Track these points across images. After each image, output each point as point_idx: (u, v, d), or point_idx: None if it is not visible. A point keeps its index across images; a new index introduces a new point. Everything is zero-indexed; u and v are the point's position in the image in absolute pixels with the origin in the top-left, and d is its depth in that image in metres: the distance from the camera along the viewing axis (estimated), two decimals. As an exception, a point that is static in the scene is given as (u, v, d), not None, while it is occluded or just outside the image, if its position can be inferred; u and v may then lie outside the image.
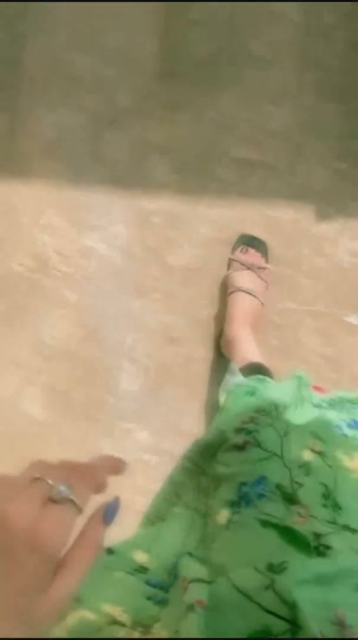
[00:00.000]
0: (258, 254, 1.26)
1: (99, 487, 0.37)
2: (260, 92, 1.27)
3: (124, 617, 0.44)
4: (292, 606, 0.41)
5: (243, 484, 0.55)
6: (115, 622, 0.44)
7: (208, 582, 0.46)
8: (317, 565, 0.46)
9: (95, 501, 0.37)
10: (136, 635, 0.44)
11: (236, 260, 1.25)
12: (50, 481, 0.34)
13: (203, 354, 1.28)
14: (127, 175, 1.31)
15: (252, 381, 0.84)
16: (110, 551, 0.60)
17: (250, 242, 1.26)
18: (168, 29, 1.28)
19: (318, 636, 0.38)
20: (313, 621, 0.39)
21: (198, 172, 1.29)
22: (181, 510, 0.63)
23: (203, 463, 0.65)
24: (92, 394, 1.28)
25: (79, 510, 0.34)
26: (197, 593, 0.44)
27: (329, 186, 1.26)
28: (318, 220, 1.27)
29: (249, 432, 0.60)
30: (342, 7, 1.26)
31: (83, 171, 1.31)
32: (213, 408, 1.26)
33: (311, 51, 1.27)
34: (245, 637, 0.41)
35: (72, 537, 0.34)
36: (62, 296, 1.31)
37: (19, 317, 1.31)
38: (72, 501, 0.34)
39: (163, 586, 0.51)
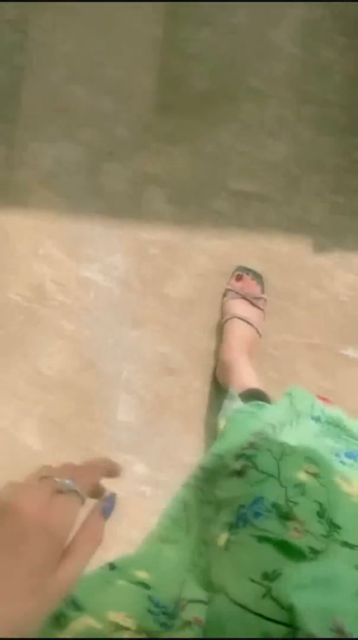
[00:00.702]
0: (254, 282, 1.26)
1: (97, 487, 0.42)
2: (257, 126, 1.28)
3: (128, 622, 0.46)
4: (290, 609, 0.42)
5: (241, 506, 0.56)
6: (119, 627, 0.45)
7: (207, 603, 0.47)
8: (312, 569, 0.47)
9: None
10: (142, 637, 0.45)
11: (231, 290, 1.26)
12: (56, 478, 0.39)
13: (201, 385, 1.28)
14: (125, 207, 1.31)
15: (252, 407, 0.85)
16: (112, 566, 0.62)
17: (246, 272, 1.26)
18: (166, 63, 1.29)
19: (318, 636, 0.39)
20: (312, 624, 0.40)
21: (196, 204, 1.30)
22: (186, 539, 0.63)
23: (206, 489, 0.65)
24: (88, 425, 1.27)
25: (82, 500, 0.39)
26: (195, 611, 0.45)
27: (326, 219, 1.27)
28: (315, 252, 1.27)
29: (248, 457, 0.61)
30: (340, 41, 1.27)
31: (81, 202, 1.31)
32: (210, 439, 1.26)
33: (309, 85, 1.27)
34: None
35: (76, 525, 0.38)
36: (60, 326, 1.31)
37: (16, 347, 1.31)
38: (76, 492, 0.38)
39: (166, 611, 0.52)
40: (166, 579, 0.59)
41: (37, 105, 1.32)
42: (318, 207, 1.27)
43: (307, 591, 0.44)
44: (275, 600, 0.43)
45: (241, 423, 0.78)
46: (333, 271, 1.28)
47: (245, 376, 1.17)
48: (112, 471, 0.44)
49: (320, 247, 1.27)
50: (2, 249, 1.32)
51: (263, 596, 0.44)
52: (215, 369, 1.27)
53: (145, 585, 0.55)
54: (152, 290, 1.30)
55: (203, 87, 1.29)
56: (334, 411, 0.76)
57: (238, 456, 0.62)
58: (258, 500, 0.55)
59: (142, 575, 0.58)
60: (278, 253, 1.29)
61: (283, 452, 0.61)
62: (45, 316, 1.31)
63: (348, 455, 0.65)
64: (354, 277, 1.28)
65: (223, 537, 0.54)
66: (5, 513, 0.36)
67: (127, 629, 0.45)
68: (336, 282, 1.28)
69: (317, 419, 0.75)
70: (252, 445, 0.63)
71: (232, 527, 0.54)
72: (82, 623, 0.45)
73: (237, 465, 0.60)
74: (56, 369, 1.30)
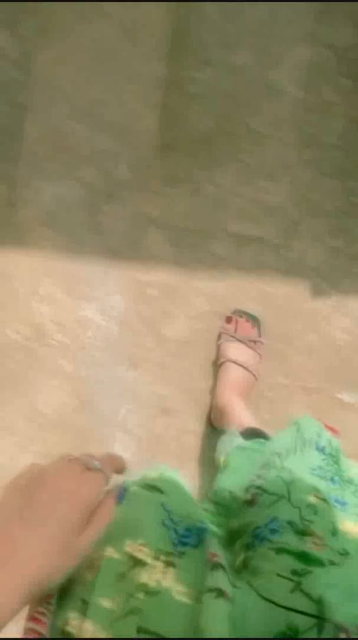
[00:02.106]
0: (250, 325, 1.26)
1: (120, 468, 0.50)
2: (258, 168, 1.27)
3: (143, 553, 0.48)
4: (319, 601, 0.43)
5: (256, 527, 0.57)
6: (136, 563, 0.48)
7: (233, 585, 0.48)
8: (339, 573, 0.48)
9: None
10: (158, 566, 0.48)
11: (225, 332, 1.26)
12: (84, 460, 0.46)
13: (197, 426, 1.29)
14: (124, 247, 1.31)
15: (254, 444, 0.86)
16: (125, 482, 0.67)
17: (240, 315, 1.26)
18: (167, 102, 1.29)
19: (346, 627, 0.40)
20: (341, 615, 0.42)
21: (195, 246, 1.30)
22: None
23: (219, 522, 0.66)
24: (85, 463, 1.29)
25: (107, 479, 0.47)
26: (224, 584, 0.46)
27: (324, 263, 1.26)
28: (313, 296, 1.27)
29: (257, 487, 0.62)
30: (343, 84, 1.26)
31: (80, 242, 1.32)
32: (205, 480, 1.27)
33: (310, 128, 1.26)
34: (270, 637, 0.42)
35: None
36: (58, 365, 1.32)
37: (14, 385, 1.32)
38: (102, 471, 0.46)
39: (179, 529, 0.53)
40: (178, 488, 0.62)
41: (39, 143, 1.32)
42: (316, 251, 1.27)
43: (336, 590, 0.45)
44: (305, 593, 0.44)
45: (246, 458, 0.79)
46: (330, 315, 1.27)
47: (242, 417, 1.18)
48: (119, 467, 0.51)
49: (317, 291, 1.26)
50: (2, 287, 1.34)
51: (292, 591, 0.45)
52: (210, 412, 1.28)
53: (158, 489, 0.59)
54: (150, 331, 1.31)
55: (205, 127, 1.28)
56: (338, 445, 0.77)
57: (248, 487, 0.64)
58: (273, 519, 0.56)
59: (153, 475, 0.63)
60: (275, 296, 1.29)
61: (292, 476, 0.62)
62: (44, 355, 1.33)
63: (338, 500, 0.66)
64: (351, 322, 1.28)
65: (240, 559, 0.54)
66: (45, 482, 0.43)
67: (143, 563, 0.48)
68: (333, 326, 1.27)
69: (321, 450, 0.75)
70: (260, 476, 0.65)
71: (249, 547, 0.55)
72: (103, 555, 0.49)
73: (248, 495, 0.62)
74: (53, 407, 1.31)
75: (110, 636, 0.42)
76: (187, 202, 1.30)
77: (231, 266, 1.29)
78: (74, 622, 0.43)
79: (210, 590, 0.45)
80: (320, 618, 0.42)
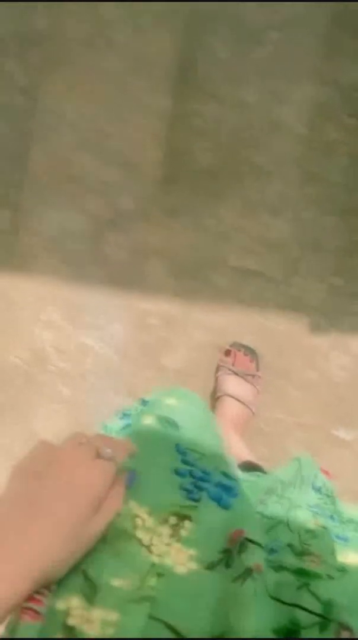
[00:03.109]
0: (248, 359, 1.27)
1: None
2: (260, 203, 1.28)
3: (149, 522, 0.47)
4: (327, 603, 0.43)
5: None
6: (139, 528, 0.46)
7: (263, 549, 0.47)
8: (347, 586, 0.47)
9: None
10: (165, 534, 0.46)
11: (223, 365, 1.27)
12: (95, 445, 0.45)
13: (192, 457, 1.29)
14: (126, 277, 1.33)
15: (252, 476, 0.86)
16: (144, 401, 0.69)
17: (238, 349, 1.27)
18: (172, 135, 1.30)
19: (352, 628, 0.40)
20: (348, 617, 0.41)
21: (195, 278, 1.31)
22: None
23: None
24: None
25: (117, 467, 0.45)
26: (256, 556, 0.46)
27: (324, 300, 1.27)
28: (312, 332, 1.28)
29: (257, 512, 0.63)
30: (348, 123, 1.26)
31: (83, 270, 1.33)
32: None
33: (313, 165, 1.27)
34: (270, 631, 0.42)
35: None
36: (57, 391, 1.34)
37: (13, 409, 1.34)
38: (113, 460, 0.45)
39: (194, 472, 0.53)
40: (195, 417, 0.62)
41: (44, 171, 1.34)
42: (316, 288, 1.27)
43: (345, 597, 0.45)
44: (312, 593, 0.44)
45: (247, 488, 0.80)
46: (329, 352, 1.28)
47: (238, 451, 1.19)
48: (133, 453, 0.50)
49: (316, 328, 1.27)
50: (4, 313, 1.35)
51: (299, 588, 0.45)
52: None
53: (173, 423, 0.58)
54: (149, 360, 1.32)
55: (208, 161, 1.29)
56: (333, 488, 0.78)
57: None
58: (273, 540, 0.56)
59: (171, 402, 0.63)
60: (274, 331, 1.30)
61: (291, 505, 0.62)
62: (44, 380, 1.34)
63: (339, 537, 0.66)
64: (349, 360, 1.28)
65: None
66: (56, 467, 0.42)
67: (148, 529, 0.46)
68: (331, 363, 1.28)
69: (317, 490, 0.76)
70: (262, 501, 0.65)
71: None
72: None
73: None
74: (52, 432, 1.33)
75: (119, 617, 0.40)
76: (189, 235, 1.31)
77: (231, 299, 1.30)
78: (76, 611, 0.41)
79: (237, 578, 0.44)
80: (325, 618, 0.42)
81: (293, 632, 0.42)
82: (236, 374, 1.26)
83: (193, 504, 0.50)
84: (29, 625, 0.38)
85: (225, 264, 1.31)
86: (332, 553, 0.54)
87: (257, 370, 1.28)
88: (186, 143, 1.30)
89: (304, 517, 0.60)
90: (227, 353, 1.28)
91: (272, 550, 0.54)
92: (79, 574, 0.42)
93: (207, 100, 1.29)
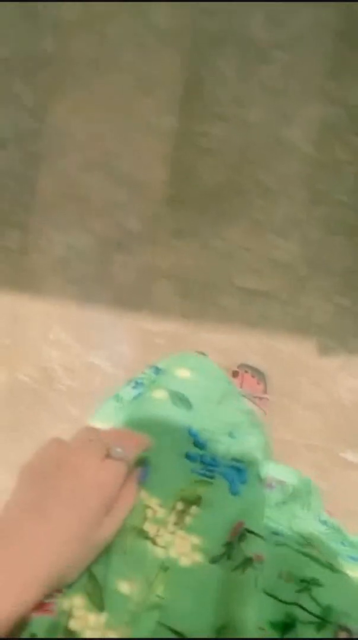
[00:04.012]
0: (255, 380, 1.27)
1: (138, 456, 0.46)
2: (267, 223, 1.28)
3: (159, 513, 0.46)
4: (327, 608, 0.42)
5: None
6: (148, 519, 0.45)
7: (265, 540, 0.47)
8: (350, 586, 0.47)
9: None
10: (170, 522, 0.45)
11: None
12: (106, 443, 0.43)
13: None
14: (133, 297, 1.34)
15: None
16: (157, 369, 0.68)
17: (245, 370, 1.27)
18: (179, 155, 1.30)
19: (351, 628, 0.40)
20: (346, 620, 0.41)
21: (202, 298, 1.31)
22: None
23: None
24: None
25: (128, 467, 0.43)
26: (257, 547, 0.45)
27: (331, 321, 1.26)
28: (319, 353, 1.27)
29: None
30: (355, 142, 1.25)
31: (91, 290, 1.35)
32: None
33: (320, 185, 1.26)
34: (267, 623, 0.42)
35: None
36: (65, 410, 1.35)
37: (22, 427, 1.36)
38: (124, 460, 0.43)
39: (205, 458, 0.52)
40: (208, 389, 0.61)
41: (52, 192, 1.35)
42: (324, 309, 1.27)
43: (346, 600, 0.45)
44: (313, 598, 0.43)
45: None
46: (336, 374, 1.27)
47: None
48: (148, 447, 0.48)
49: (324, 349, 1.26)
50: (14, 332, 1.37)
51: (300, 591, 0.44)
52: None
53: (186, 400, 0.57)
54: (156, 380, 1.33)
55: (215, 182, 1.29)
56: (334, 521, 0.77)
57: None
58: (276, 525, 0.56)
59: (184, 374, 0.62)
60: (281, 351, 1.29)
61: (297, 517, 0.62)
62: (52, 399, 1.36)
63: (353, 557, 0.65)
64: (357, 381, 1.27)
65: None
66: (65, 469, 0.41)
67: (156, 519, 0.45)
68: (338, 385, 1.27)
69: (323, 522, 0.75)
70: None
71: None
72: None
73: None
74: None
75: (129, 629, 0.39)
76: (195, 255, 1.31)
77: (238, 320, 1.30)
78: (79, 612, 0.39)
79: (237, 567, 0.43)
80: (323, 620, 0.41)
81: (290, 626, 0.42)
82: (243, 396, 1.26)
83: (208, 480, 0.49)
84: (43, 618, 0.37)
85: (232, 284, 1.31)
86: (335, 557, 0.54)
87: (265, 392, 1.28)
88: (193, 163, 1.31)
89: (309, 526, 0.60)
90: (234, 375, 1.28)
91: (275, 533, 0.54)
92: (84, 571, 0.41)
93: (214, 120, 1.29)
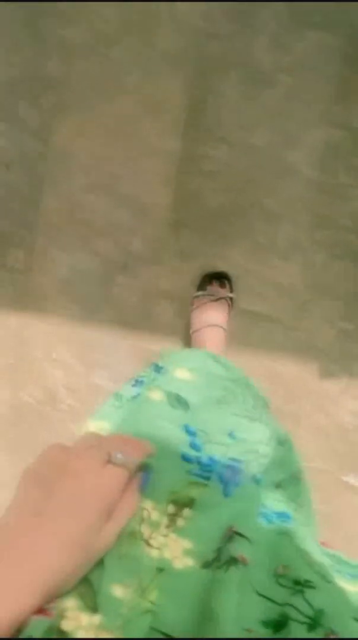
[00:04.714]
0: (217, 285, 1.28)
1: (141, 462, 0.46)
2: (270, 247, 1.28)
3: (153, 516, 0.46)
4: (319, 612, 0.42)
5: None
6: (143, 521, 0.46)
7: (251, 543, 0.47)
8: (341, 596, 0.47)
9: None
10: (163, 523, 0.46)
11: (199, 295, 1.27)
12: (109, 450, 0.43)
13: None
14: (136, 318, 1.34)
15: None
16: (157, 367, 0.68)
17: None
18: (182, 178, 1.31)
19: (338, 632, 0.40)
20: (337, 623, 0.42)
21: (205, 320, 1.31)
22: None
23: None
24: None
25: (129, 473, 0.43)
26: (242, 548, 0.45)
27: (334, 345, 1.27)
28: (322, 377, 1.27)
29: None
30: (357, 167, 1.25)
31: (94, 311, 1.36)
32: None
33: (324, 209, 1.26)
34: (258, 622, 0.42)
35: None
36: (68, 430, 1.36)
37: (25, 446, 1.37)
38: (125, 466, 0.43)
39: (201, 460, 0.52)
40: (207, 389, 0.60)
41: (57, 213, 1.36)
42: (326, 332, 1.27)
43: (340, 607, 0.45)
44: (306, 601, 0.44)
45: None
46: (339, 398, 1.27)
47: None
48: (151, 454, 0.48)
49: (326, 373, 1.27)
50: (17, 351, 1.38)
51: (294, 594, 0.44)
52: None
53: (183, 401, 0.57)
54: (158, 401, 1.33)
55: (218, 204, 1.30)
56: (334, 551, 0.77)
57: None
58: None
59: (183, 375, 0.62)
60: (283, 374, 1.30)
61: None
62: (55, 419, 1.37)
63: (351, 574, 0.65)
64: (360, 405, 1.27)
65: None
66: (65, 475, 0.41)
67: (151, 522, 0.46)
68: (341, 408, 1.27)
69: (326, 554, 0.75)
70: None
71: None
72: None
73: None
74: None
75: (122, 632, 0.39)
76: (198, 277, 1.31)
77: (240, 342, 1.31)
78: (71, 613, 0.39)
79: (221, 566, 0.44)
80: (315, 622, 0.42)
81: (282, 624, 0.42)
82: (213, 300, 1.25)
83: (203, 482, 0.50)
84: (41, 620, 0.37)
85: (235, 307, 1.31)
86: (328, 570, 0.53)
87: (231, 292, 1.29)
88: (196, 186, 1.31)
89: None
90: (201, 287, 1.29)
91: (279, 515, 0.54)
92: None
93: (217, 143, 1.30)
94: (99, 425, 0.67)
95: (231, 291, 1.30)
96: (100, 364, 1.37)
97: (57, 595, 0.38)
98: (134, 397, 0.67)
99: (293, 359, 1.29)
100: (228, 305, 1.28)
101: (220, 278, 1.29)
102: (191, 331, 1.29)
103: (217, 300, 1.27)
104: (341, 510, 1.29)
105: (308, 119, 1.26)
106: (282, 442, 0.72)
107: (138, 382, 0.76)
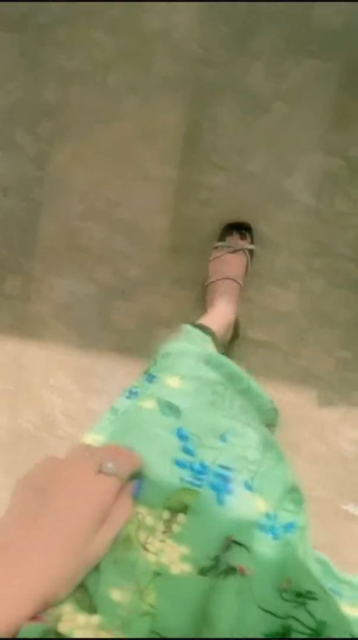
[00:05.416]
0: (238, 236, 1.26)
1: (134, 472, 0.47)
2: (268, 274, 1.28)
3: (147, 520, 0.47)
4: (321, 623, 0.43)
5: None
6: (140, 526, 0.47)
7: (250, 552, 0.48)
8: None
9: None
10: (159, 529, 0.46)
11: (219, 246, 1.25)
12: (100, 460, 0.44)
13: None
14: (133, 344, 1.35)
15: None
16: (150, 376, 0.70)
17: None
18: (179, 206, 1.32)
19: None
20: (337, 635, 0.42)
21: (203, 347, 1.31)
22: None
23: None
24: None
25: (121, 482, 0.44)
26: (241, 558, 0.46)
27: (333, 373, 1.26)
28: (321, 405, 1.27)
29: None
30: (356, 195, 1.25)
31: (92, 337, 1.36)
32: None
33: (322, 237, 1.26)
34: (262, 637, 0.43)
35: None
36: (66, 457, 1.36)
37: (22, 472, 1.37)
38: (116, 475, 0.44)
39: (194, 465, 0.53)
40: (199, 396, 0.62)
41: (54, 239, 1.37)
42: (325, 361, 1.26)
43: (341, 621, 0.45)
44: (309, 613, 0.44)
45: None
46: (338, 426, 1.27)
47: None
48: (139, 469, 0.49)
49: (325, 401, 1.26)
50: (15, 377, 1.39)
51: (297, 607, 0.45)
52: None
53: (175, 409, 0.58)
54: (156, 428, 1.33)
55: (215, 231, 1.30)
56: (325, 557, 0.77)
57: None
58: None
59: (174, 383, 0.63)
60: (282, 402, 1.29)
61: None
62: (53, 445, 1.37)
63: (332, 589, 0.65)
64: (359, 434, 1.27)
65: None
66: (58, 483, 0.42)
67: (146, 527, 0.46)
68: (340, 437, 1.27)
69: (316, 560, 0.75)
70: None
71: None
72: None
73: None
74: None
75: (121, 633, 0.39)
76: (196, 304, 1.31)
77: (239, 370, 1.30)
78: (68, 616, 0.39)
79: (219, 574, 0.44)
80: (317, 633, 0.42)
81: (284, 635, 0.43)
82: (230, 251, 1.24)
83: (196, 489, 0.51)
84: (35, 625, 0.37)
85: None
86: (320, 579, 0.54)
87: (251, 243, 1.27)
88: (193, 213, 1.31)
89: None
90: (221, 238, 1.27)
91: (286, 527, 0.55)
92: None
93: (214, 170, 1.30)
94: (93, 438, 0.68)
95: (251, 242, 1.27)
96: (98, 390, 1.38)
97: (52, 602, 0.38)
98: (127, 410, 0.68)
99: (292, 387, 1.29)
100: (247, 258, 1.26)
101: (240, 229, 1.27)
102: (206, 282, 1.27)
103: (234, 252, 1.25)
104: (340, 539, 1.28)
105: (305, 146, 1.26)
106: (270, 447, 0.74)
107: (132, 393, 0.77)
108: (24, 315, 1.39)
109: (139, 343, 1.35)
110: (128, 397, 0.74)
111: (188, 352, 0.83)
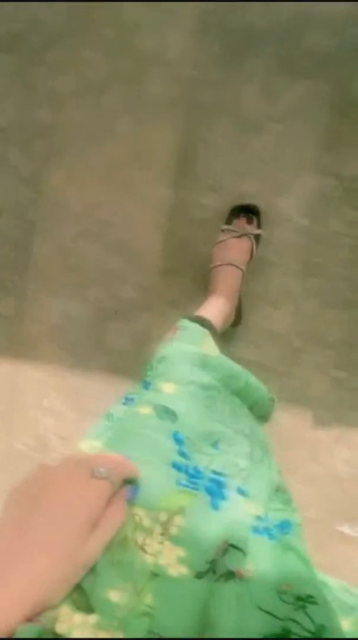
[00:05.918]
0: (244, 220, 1.24)
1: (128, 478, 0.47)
2: (261, 294, 1.28)
3: (144, 522, 0.47)
4: (321, 627, 0.44)
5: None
6: (136, 527, 0.47)
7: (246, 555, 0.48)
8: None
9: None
10: (156, 531, 0.47)
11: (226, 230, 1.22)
12: (93, 466, 0.45)
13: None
14: (127, 365, 1.34)
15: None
16: (146, 383, 0.72)
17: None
18: (173, 226, 1.32)
19: None
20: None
21: (197, 368, 1.30)
22: None
23: None
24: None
25: (113, 487, 0.45)
26: (238, 562, 0.47)
27: (327, 393, 1.26)
28: (315, 426, 1.27)
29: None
30: (350, 214, 1.26)
31: (85, 358, 1.35)
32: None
33: (316, 257, 1.26)
34: (261, 637, 0.44)
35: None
36: (60, 478, 1.35)
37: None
38: (109, 479, 0.44)
39: (188, 469, 0.54)
40: (194, 400, 0.63)
41: (48, 260, 1.37)
42: (319, 381, 1.26)
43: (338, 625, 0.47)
44: (309, 616, 0.45)
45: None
46: (333, 447, 1.27)
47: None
48: (132, 475, 0.49)
49: (319, 421, 1.26)
50: (10, 399, 1.38)
51: (296, 609, 0.45)
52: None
53: (172, 413, 0.59)
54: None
55: (209, 252, 1.30)
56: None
57: None
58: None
59: (169, 389, 0.64)
60: (276, 423, 1.29)
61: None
62: (47, 467, 1.36)
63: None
64: (353, 455, 1.27)
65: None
66: (50, 489, 0.42)
67: (143, 528, 0.46)
68: (335, 458, 1.27)
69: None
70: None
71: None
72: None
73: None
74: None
75: (119, 633, 0.40)
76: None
77: (233, 390, 1.30)
78: (64, 617, 0.40)
79: (219, 578, 0.45)
80: (316, 636, 0.43)
81: (283, 637, 0.44)
82: (235, 236, 1.21)
83: (191, 492, 0.52)
84: (30, 626, 0.37)
85: (227, 354, 1.30)
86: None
87: (259, 227, 1.24)
88: (187, 233, 1.31)
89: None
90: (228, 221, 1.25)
91: (283, 527, 0.59)
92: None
93: (207, 191, 1.30)
94: (90, 444, 0.69)
95: (259, 227, 1.25)
96: (91, 411, 1.37)
97: (45, 606, 0.38)
98: (124, 415, 0.69)
99: (287, 407, 1.28)
100: (253, 243, 1.23)
101: (248, 212, 1.25)
102: (211, 265, 1.24)
103: (239, 237, 1.22)
104: (335, 560, 1.27)
105: (299, 167, 1.27)
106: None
107: (128, 400, 0.78)
108: (16, 336, 1.39)
109: (132, 364, 1.35)
110: (124, 404, 0.76)
111: (184, 356, 0.84)
